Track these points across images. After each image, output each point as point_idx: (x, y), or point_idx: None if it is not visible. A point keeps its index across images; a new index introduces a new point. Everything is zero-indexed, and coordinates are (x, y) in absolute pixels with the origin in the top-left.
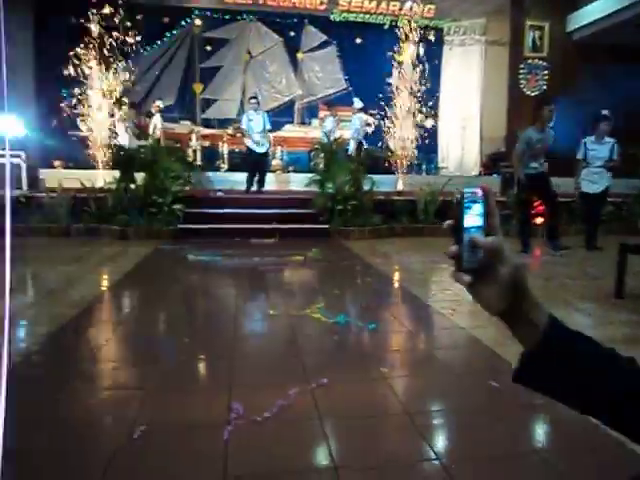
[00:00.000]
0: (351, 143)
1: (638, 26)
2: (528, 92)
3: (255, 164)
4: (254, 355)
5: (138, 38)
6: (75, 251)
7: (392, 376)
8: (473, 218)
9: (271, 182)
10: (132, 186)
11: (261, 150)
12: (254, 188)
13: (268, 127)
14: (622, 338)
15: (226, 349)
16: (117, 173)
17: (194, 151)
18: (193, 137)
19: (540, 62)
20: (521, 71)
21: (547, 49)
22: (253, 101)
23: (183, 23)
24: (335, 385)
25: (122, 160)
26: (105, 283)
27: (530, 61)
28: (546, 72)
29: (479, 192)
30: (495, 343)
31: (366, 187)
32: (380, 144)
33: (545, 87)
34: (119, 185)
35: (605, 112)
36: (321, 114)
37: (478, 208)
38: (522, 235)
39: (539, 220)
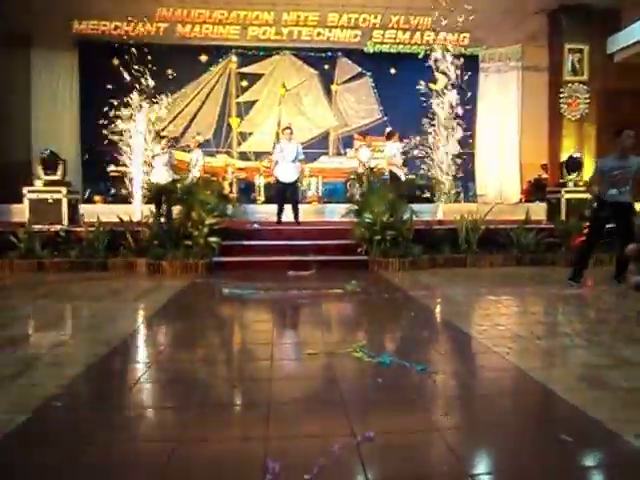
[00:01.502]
0: (393, 170)
1: None
2: (569, 116)
3: (283, 194)
4: (292, 402)
5: (175, 74)
6: (110, 285)
7: (447, 427)
8: None
9: (307, 213)
10: (167, 219)
11: (288, 180)
12: (289, 219)
13: (301, 157)
14: None
15: (261, 395)
16: (153, 207)
17: (230, 184)
18: (229, 170)
19: (581, 86)
20: (561, 95)
21: (587, 72)
22: (287, 131)
23: (220, 60)
24: (383, 439)
25: (156, 194)
26: (139, 319)
27: (570, 85)
28: (587, 95)
29: None
30: (560, 387)
31: (405, 216)
32: (419, 173)
33: (587, 111)
34: (155, 218)
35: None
36: (356, 144)
37: None
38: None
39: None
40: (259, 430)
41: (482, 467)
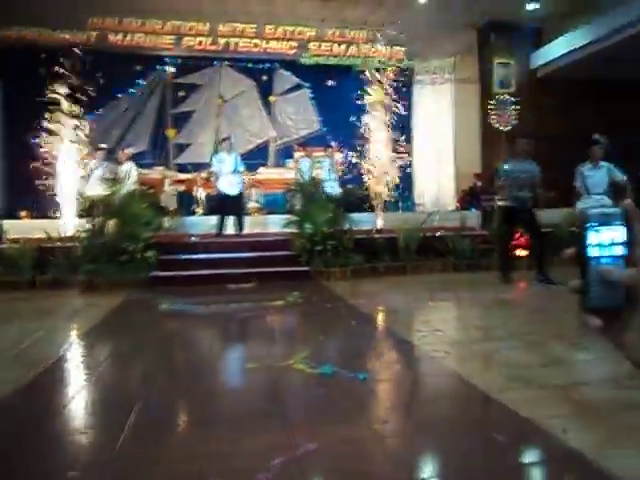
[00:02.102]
0: (330, 182)
1: (598, 62)
2: (499, 127)
3: (225, 206)
4: (231, 417)
5: (109, 84)
6: (38, 304)
7: (388, 436)
8: (609, 246)
9: (247, 224)
10: (101, 234)
11: (231, 192)
12: (232, 232)
13: (240, 169)
14: (628, 375)
15: (199, 411)
16: (85, 222)
17: (168, 196)
18: (166, 182)
19: (509, 98)
20: (491, 107)
21: (515, 86)
22: (226, 142)
23: (155, 69)
24: (325, 450)
25: (89, 208)
26: (69, 339)
27: (499, 97)
28: (515, 107)
29: (617, 212)
30: (495, 389)
31: (345, 226)
32: (357, 184)
33: (516, 122)
34: (87, 234)
35: (596, 136)
36: (296, 155)
37: (616, 233)
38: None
39: (522, 252)
40: (199, 448)
41: (422, 472)
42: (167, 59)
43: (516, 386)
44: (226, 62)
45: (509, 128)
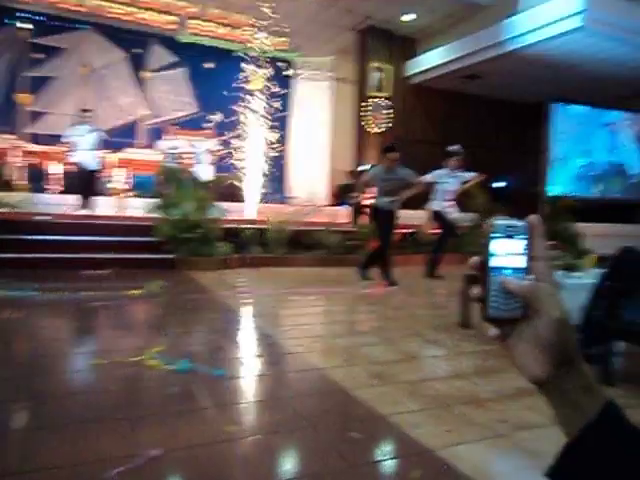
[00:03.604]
0: (202, 168)
1: (464, 77)
2: (373, 129)
3: (85, 182)
4: (68, 422)
5: None
6: None
7: (242, 437)
8: (511, 258)
9: (110, 207)
10: None
11: (89, 167)
12: (83, 212)
13: (99, 142)
14: (473, 369)
15: (31, 416)
16: None
17: (16, 169)
18: (16, 153)
19: (383, 102)
20: (366, 109)
21: (389, 90)
22: (87, 114)
23: (4, 24)
24: (172, 456)
25: None
26: None
27: (374, 100)
28: (389, 111)
29: (522, 226)
30: (353, 386)
31: (215, 215)
32: (231, 171)
33: (389, 125)
34: None
35: (454, 147)
36: (168, 137)
37: (519, 245)
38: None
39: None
40: (29, 461)
41: (275, 474)
42: (21, 13)
43: (373, 382)
44: (95, 28)
45: (382, 130)
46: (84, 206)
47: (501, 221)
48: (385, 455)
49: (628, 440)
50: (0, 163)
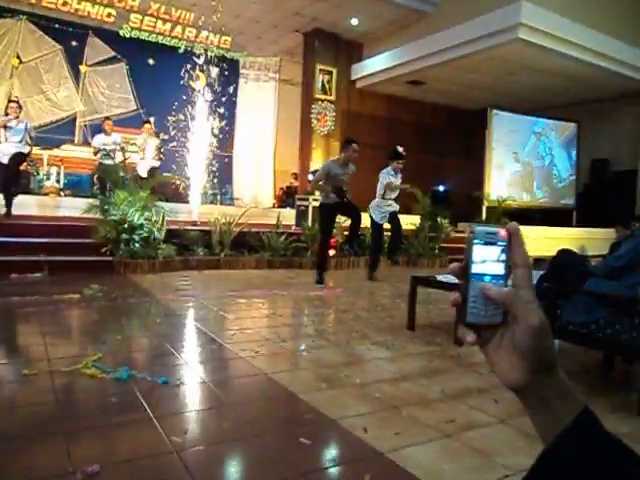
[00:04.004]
0: (143, 165)
1: (409, 83)
2: (318, 131)
3: (4, 178)
4: None
5: None
6: None
7: (188, 447)
8: (491, 264)
9: (44, 207)
10: None
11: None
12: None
13: (28, 140)
14: (419, 371)
15: None
16: None
17: None
18: None
19: (329, 104)
20: (312, 111)
21: (335, 92)
22: (13, 105)
23: None
24: (111, 470)
25: None
26: None
27: (320, 102)
28: (334, 114)
29: (502, 233)
30: (301, 390)
31: (156, 216)
32: (173, 171)
33: (334, 127)
34: None
35: (400, 149)
36: (105, 134)
37: (498, 252)
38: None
39: (331, 252)
40: None
41: None
42: None
43: (322, 386)
44: (25, 17)
45: (326, 132)
46: (9, 205)
47: (481, 228)
48: (336, 460)
49: (601, 447)
50: None
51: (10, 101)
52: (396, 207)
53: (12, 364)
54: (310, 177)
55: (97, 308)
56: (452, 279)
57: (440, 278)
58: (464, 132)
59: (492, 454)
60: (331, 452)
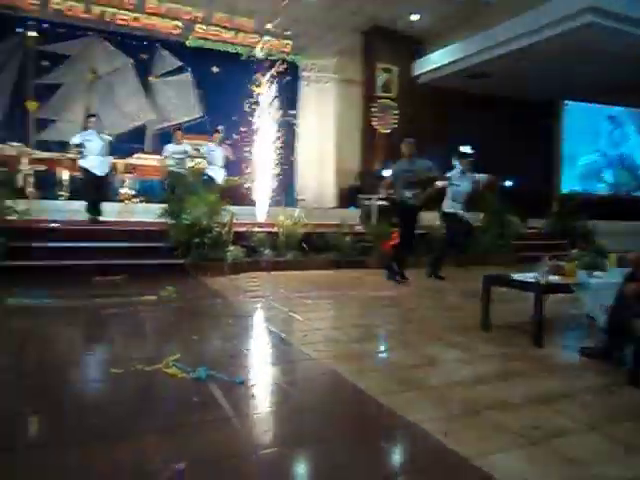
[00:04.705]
0: (213, 172)
1: (473, 76)
2: (380, 130)
3: (94, 188)
4: (85, 435)
5: None
6: None
7: (267, 447)
8: None
9: (120, 212)
10: None
11: (98, 172)
12: (91, 217)
13: (107, 150)
14: (498, 373)
15: (47, 428)
16: None
17: (25, 176)
18: (24, 160)
19: (390, 102)
20: (373, 110)
21: (396, 90)
22: (92, 119)
23: (15, 33)
24: (196, 471)
25: None
26: None
27: (381, 101)
28: (396, 112)
29: None
30: (377, 392)
31: (225, 219)
32: (240, 176)
33: (396, 125)
34: None
35: (466, 149)
36: (174, 142)
37: None
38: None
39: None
40: (42, 477)
41: None
42: (30, 22)
43: (396, 388)
44: (101, 34)
45: (388, 131)
46: (91, 212)
47: None
48: (417, 465)
49: None
50: (11, 171)
51: (90, 115)
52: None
53: (100, 363)
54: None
55: (172, 309)
56: (529, 278)
57: (517, 277)
58: (531, 124)
59: (584, 464)
60: (412, 456)
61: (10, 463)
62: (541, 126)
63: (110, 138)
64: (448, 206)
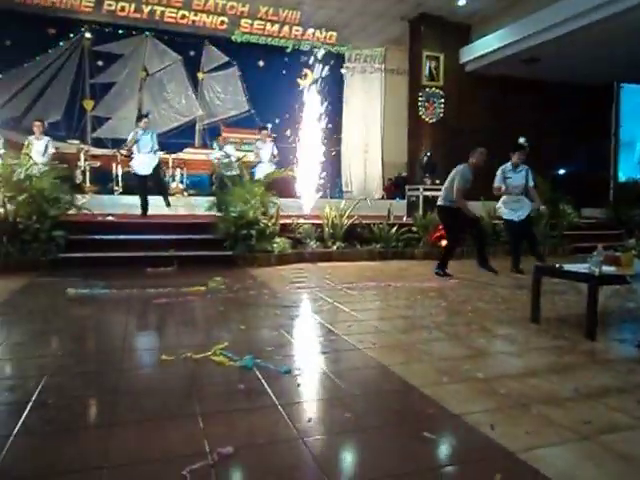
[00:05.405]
0: (262, 168)
1: (523, 61)
2: (426, 119)
3: (144, 186)
4: (137, 419)
5: (15, 47)
6: None
7: (311, 434)
8: None
9: (171, 206)
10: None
11: (144, 172)
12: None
13: (156, 148)
14: (548, 366)
15: (103, 410)
16: None
17: (83, 172)
18: (82, 157)
19: (437, 90)
20: (419, 99)
21: (443, 78)
22: (144, 120)
23: (72, 35)
24: (242, 454)
25: None
26: None
27: (427, 89)
28: (442, 100)
29: None
30: (422, 383)
31: (271, 211)
32: (285, 168)
33: (442, 114)
34: None
35: (521, 140)
36: (223, 136)
37: None
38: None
39: (443, 243)
40: (97, 458)
41: (349, 474)
42: (85, 24)
43: (442, 379)
44: (151, 33)
45: (435, 120)
46: (166, 201)
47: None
48: (462, 457)
49: None
50: (70, 167)
51: (142, 116)
52: (526, 210)
53: (152, 350)
54: None
55: (221, 299)
56: (582, 269)
57: (568, 268)
58: (586, 110)
59: (637, 460)
60: (457, 448)
61: (72, 442)
62: (596, 111)
63: (157, 135)
64: (502, 202)
